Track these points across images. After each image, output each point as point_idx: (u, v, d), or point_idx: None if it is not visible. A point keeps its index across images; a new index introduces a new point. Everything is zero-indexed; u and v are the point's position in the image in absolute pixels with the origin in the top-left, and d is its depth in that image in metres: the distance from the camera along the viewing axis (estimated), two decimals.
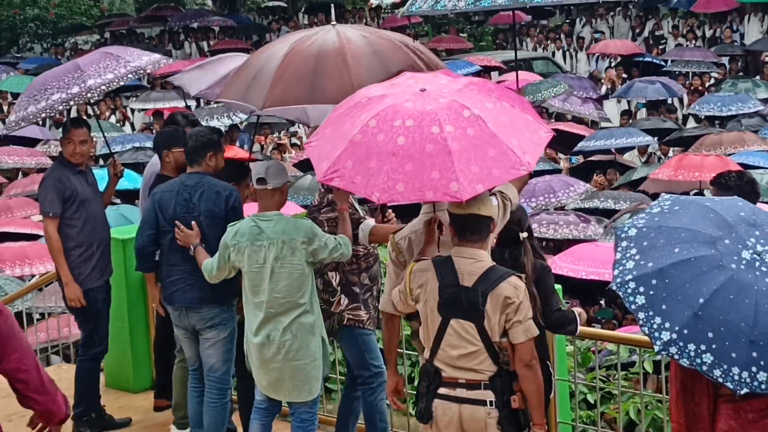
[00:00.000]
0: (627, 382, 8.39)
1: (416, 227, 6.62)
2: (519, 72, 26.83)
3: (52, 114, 8.80)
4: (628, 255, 5.25)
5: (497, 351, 5.90)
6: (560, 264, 12.93)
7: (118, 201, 15.99)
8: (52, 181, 8.54)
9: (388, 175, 5.63)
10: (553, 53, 31.60)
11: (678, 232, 5.24)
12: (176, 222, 7.69)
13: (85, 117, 17.84)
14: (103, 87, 8.49)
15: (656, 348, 5.03)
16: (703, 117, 22.54)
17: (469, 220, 5.91)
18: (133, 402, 9.53)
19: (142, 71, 8.83)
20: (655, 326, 5.04)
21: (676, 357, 5.00)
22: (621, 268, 5.22)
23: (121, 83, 8.71)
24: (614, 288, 5.18)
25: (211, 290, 7.62)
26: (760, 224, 5.30)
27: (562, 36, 32.64)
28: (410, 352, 8.11)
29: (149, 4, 39.00)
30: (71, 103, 8.59)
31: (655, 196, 15.79)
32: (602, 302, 13.81)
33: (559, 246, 14.96)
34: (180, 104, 21.30)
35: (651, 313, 5.07)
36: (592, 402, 8.24)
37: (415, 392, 6.44)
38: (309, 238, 7.09)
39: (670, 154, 19.99)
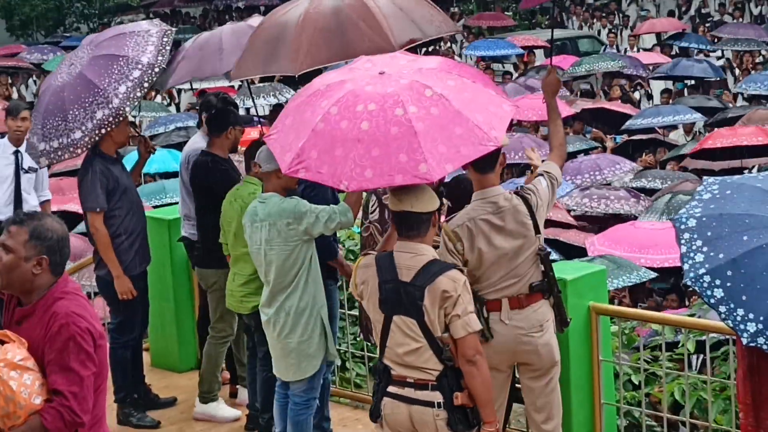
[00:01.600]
0: (672, 363, 8.35)
1: (473, 214, 6.52)
2: (565, 54, 26.87)
3: (92, 142, 8.34)
4: (694, 247, 5.18)
5: (441, 347, 5.74)
6: (598, 246, 12.77)
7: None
8: (95, 175, 8.42)
9: (355, 162, 5.52)
10: (599, 32, 31.42)
11: (741, 219, 5.18)
12: None
13: None
14: (128, 102, 8.25)
15: (744, 341, 4.97)
16: (747, 96, 22.30)
17: (404, 216, 5.78)
18: (179, 381, 9.58)
19: (158, 67, 8.44)
20: (738, 318, 4.99)
21: (765, 347, 4.95)
22: (690, 262, 5.15)
23: (145, 86, 8.37)
24: (689, 283, 5.12)
25: None
26: None
27: (608, 14, 32.45)
28: None
29: None
30: (101, 131, 8.26)
31: (697, 173, 15.75)
32: None
33: (602, 227, 14.89)
34: (226, 83, 21.32)
35: (732, 306, 5.01)
36: (637, 383, 8.20)
37: None
38: (295, 218, 7.00)
39: None
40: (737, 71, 25.09)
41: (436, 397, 5.73)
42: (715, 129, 18.69)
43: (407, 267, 5.74)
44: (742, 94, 22.83)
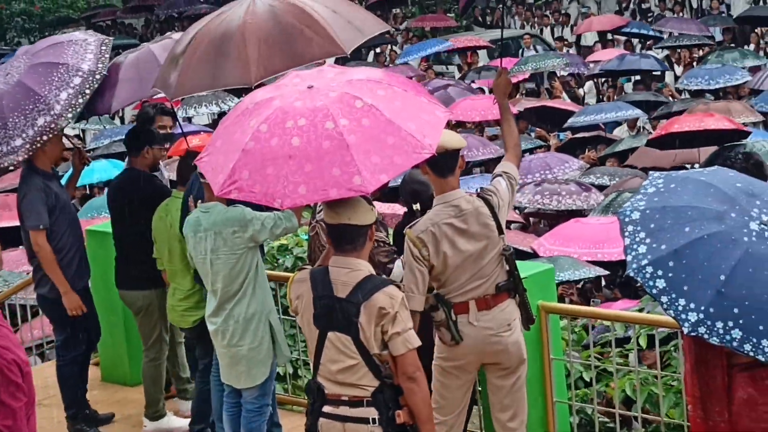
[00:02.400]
0: (623, 359, 8.39)
1: (436, 219, 6.56)
2: (508, 54, 27.01)
3: (33, 149, 8.22)
4: (637, 239, 5.19)
5: (378, 364, 5.62)
6: (548, 246, 12.77)
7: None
8: (36, 192, 8.35)
9: (288, 179, 5.44)
10: (541, 30, 31.56)
11: (684, 211, 5.20)
12: None
13: None
14: (70, 111, 8.19)
15: (685, 330, 4.99)
16: (685, 90, 22.43)
17: (340, 229, 5.67)
18: (131, 395, 9.52)
19: (99, 74, 8.40)
20: (680, 308, 5.00)
21: (706, 336, 4.96)
22: (633, 253, 5.16)
23: (87, 93, 8.29)
24: (632, 274, 5.13)
25: None
26: (758, 194, 5.30)
27: (549, 13, 32.60)
28: None
29: None
30: (43, 137, 8.18)
31: (645, 170, 15.79)
32: None
33: (553, 224, 14.94)
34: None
35: (674, 296, 5.02)
36: (588, 380, 8.23)
37: None
38: (241, 225, 7.03)
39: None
40: (676, 66, 25.23)
41: (371, 413, 5.62)
42: (658, 123, 18.88)
43: (343, 283, 5.63)
44: (687, 89, 22.96)
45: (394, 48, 30.55)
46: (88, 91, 8.29)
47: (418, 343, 5.65)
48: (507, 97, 7.27)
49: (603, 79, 25.14)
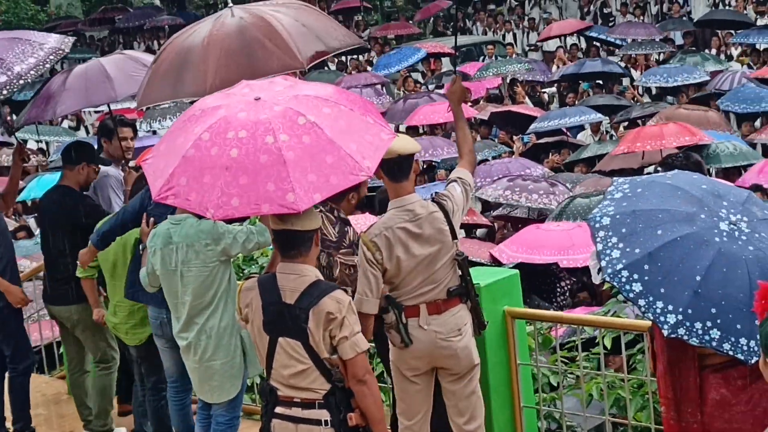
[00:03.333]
0: (590, 363, 8.40)
1: (389, 223, 6.58)
2: (471, 60, 27.09)
3: None
4: (610, 244, 5.22)
5: (328, 368, 5.66)
6: (511, 254, 12.60)
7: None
8: None
9: (222, 190, 5.39)
10: (504, 36, 31.64)
11: (654, 214, 5.25)
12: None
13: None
14: (32, 72, 8.28)
15: (665, 332, 5.03)
16: (643, 89, 22.56)
17: (286, 235, 5.69)
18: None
19: (60, 51, 8.56)
20: (658, 311, 5.04)
21: (686, 337, 5.01)
22: (607, 258, 5.19)
23: (46, 66, 8.46)
24: (607, 279, 5.18)
25: None
26: (724, 194, 5.37)
27: (512, 19, 32.70)
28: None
29: (97, 7, 38.78)
30: (4, 92, 8.31)
31: (611, 174, 15.84)
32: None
33: (515, 224, 14.92)
34: (132, 105, 21.12)
35: (651, 299, 5.06)
36: (555, 384, 8.25)
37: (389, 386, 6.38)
38: (213, 239, 7.01)
39: (621, 131, 19.97)
40: (633, 71, 25.39)
41: (323, 415, 5.65)
42: (620, 126, 18.94)
43: (291, 289, 5.65)
44: (647, 89, 23.04)
45: (361, 57, 30.39)
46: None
47: (366, 346, 5.70)
48: (461, 104, 7.28)
49: (563, 84, 25.20)
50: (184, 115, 5.89)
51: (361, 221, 11.26)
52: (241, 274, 10.02)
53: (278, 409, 5.76)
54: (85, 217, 8.29)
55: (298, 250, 5.70)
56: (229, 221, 6.89)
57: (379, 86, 24.63)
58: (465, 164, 7.02)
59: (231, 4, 7.71)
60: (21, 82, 8.26)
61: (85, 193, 8.77)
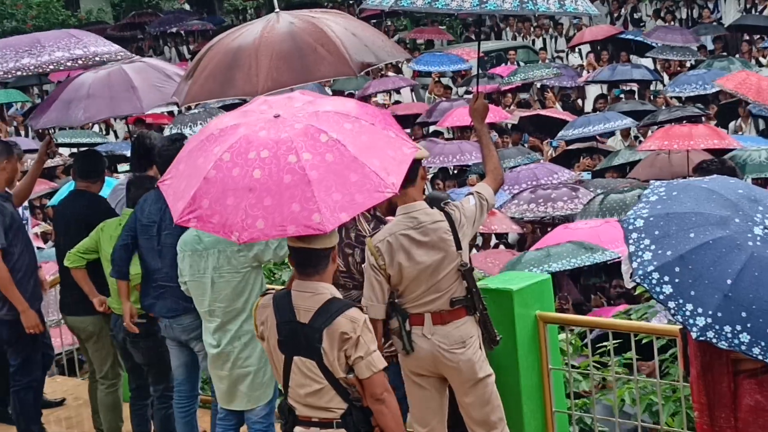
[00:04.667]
0: (622, 369, 8.37)
1: (394, 229, 6.60)
2: (501, 65, 27.05)
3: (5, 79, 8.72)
4: (642, 246, 5.20)
5: (345, 387, 5.56)
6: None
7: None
8: None
9: (246, 213, 5.27)
10: (533, 42, 31.58)
11: (688, 217, 5.22)
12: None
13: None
14: (52, 65, 8.44)
15: (693, 335, 4.99)
16: (684, 99, 22.38)
17: (303, 253, 5.59)
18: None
19: (99, 57, 8.70)
20: (688, 313, 5.01)
21: (714, 341, 4.97)
22: (639, 260, 5.16)
23: (77, 65, 8.62)
24: (637, 281, 5.15)
25: (189, 300, 7.41)
26: (760, 199, 5.34)
27: (541, 24, 32.64)
28: None
29: (127, 12, 38.93)
30: (19, 73, 8.51)
31: (646, 182, 15.81)
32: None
33: (544, 229, 14.94)
34: (161, 110, 21.23)
35: (681, 301, 5.03)
36: (588, 390, 8.22)
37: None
38: (245, 245, 6.82)
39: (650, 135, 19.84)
40: (665, 75, 25.28)
41: None
42: (648, 130, 18.85)
43: (305, 308, 5.55)
44: (677, 97, 22.92)
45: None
46: (79, 65, 8.68)
47: (383, 364, 5.57)
48: (484, 122, 7.25)
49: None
50: (201, 134, 5.78)
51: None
52: (273, 278, 10.04)
53: (297, 429, 5.68)
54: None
55: (315, 268, 5.60)
56: None
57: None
58: (489, 181, 7.02)
59: (277, 10, 7.72)
60: (40, 70, 8.46)
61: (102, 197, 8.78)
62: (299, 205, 5.21)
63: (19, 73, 8.44)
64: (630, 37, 28.25)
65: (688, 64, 25.86)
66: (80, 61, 8.59)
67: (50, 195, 18.31)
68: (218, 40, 7.70)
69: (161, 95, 8.65)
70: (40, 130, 18.57)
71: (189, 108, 19.53)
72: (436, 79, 27.10)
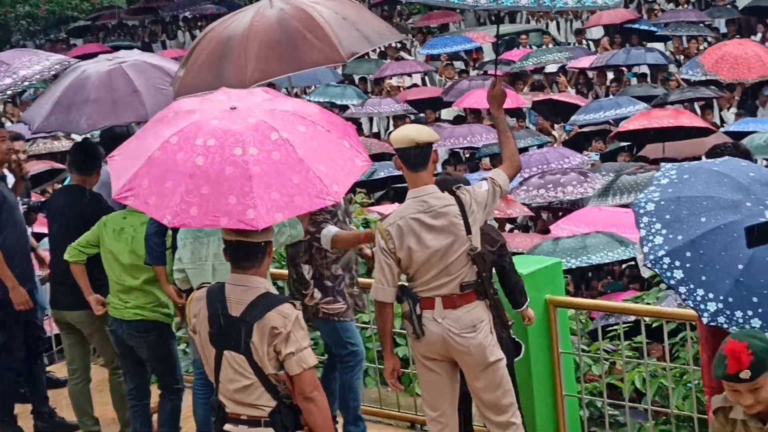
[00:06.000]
0: (632, 352, 8.38)
1: (404, 213, 6.60)
2: (513, 49, 27.01)
3: None
4: (653, 230, 5.20)
5: (274, 384, 5.44)
6: (562, 226, 13.04)
7: None
8: None
9: (182, 198, 5.19)
10: (547, 25, 31.49)
11: (699, 201, 5.22)
12: None
13: None
14: (36, 77, 8.51)
15: (704, 320, 5.00)
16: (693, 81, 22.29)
17: (238, 246, 5.46)
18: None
19: (65, 62, 8.82)
20: (698, 299, 5.02)
21: (725, 326, 4.97)
22: (650, 244, 5.16)
23: (51, 73, 8.74)
24: (648, 266, 5.14)
25: None
26: None
27: None
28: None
29: None
30: (8, 92, 8.59)
31: (655, 162, 15.82)
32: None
33: (556, 213, 15.03)
34: None
35: (692, 286, 5.03)
36: (598, 374, 8.23)
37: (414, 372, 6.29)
38: None
39: None
40: (681, 57, 25.20)
41: None
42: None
43: (237, 301, 5.43)
44: (687, 80, 22.83)
45: (402, 50, 30.40)
46: (9, 92, 8.68)
47: (314, 361, 5.48)
48: (501, 108, 7.22)
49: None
50: (158, 115, 5.75)
51: (389, 211, 11.37)
52: (283, 264, 9.99)
53: (226, 427, 5.57)
54: (97, 218, 8.13)
55: (251, 261, 5.48)
56: None
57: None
58: (504, 167, 6.94)
59: None
60: (26, 84, 8.52)
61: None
62: (236, 198, 5.16)
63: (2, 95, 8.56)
64: (644, 27, 28.05)
65: (704, 44, 25.73)
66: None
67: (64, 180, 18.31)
68: (212, 28, 7.63)
69: (164, 98, 8.45)
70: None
71: None
72: (446, 61, 27.06)
